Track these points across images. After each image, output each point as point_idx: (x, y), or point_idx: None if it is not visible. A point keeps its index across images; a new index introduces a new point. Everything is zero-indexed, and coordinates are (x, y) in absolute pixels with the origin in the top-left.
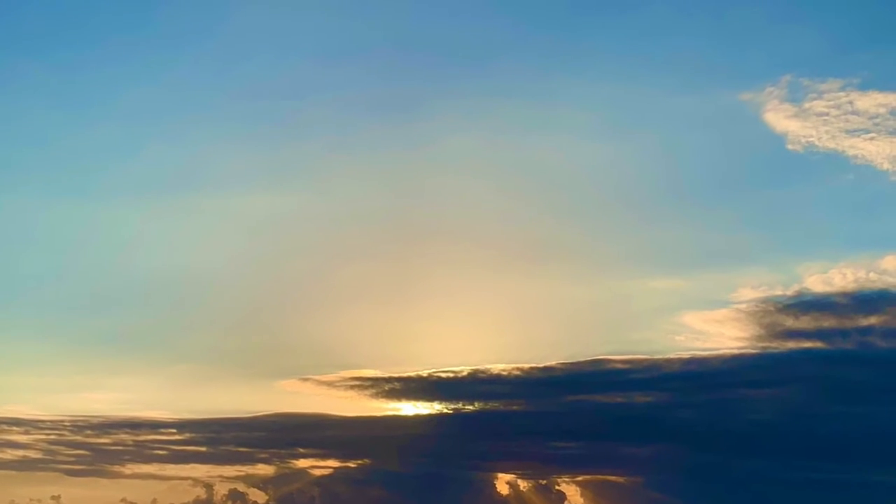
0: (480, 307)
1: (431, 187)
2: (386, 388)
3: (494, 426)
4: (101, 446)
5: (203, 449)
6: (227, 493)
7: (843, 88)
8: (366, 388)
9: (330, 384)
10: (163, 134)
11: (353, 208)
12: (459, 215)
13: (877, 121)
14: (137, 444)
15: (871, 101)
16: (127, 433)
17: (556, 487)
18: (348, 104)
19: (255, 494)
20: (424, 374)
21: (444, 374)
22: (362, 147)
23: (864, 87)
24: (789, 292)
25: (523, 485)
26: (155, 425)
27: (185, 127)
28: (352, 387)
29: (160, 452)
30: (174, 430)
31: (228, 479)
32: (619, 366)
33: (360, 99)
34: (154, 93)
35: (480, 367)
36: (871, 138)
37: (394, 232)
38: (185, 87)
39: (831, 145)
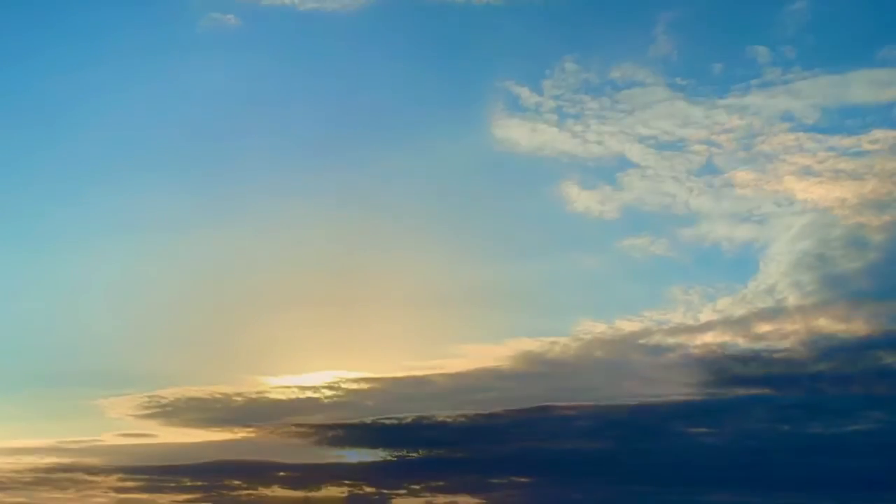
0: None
1: (374, 231)
2: (329, 435)
3: (439, 473)
4: None
5: (144, 496)
6: None
7: None
8: (310, 435)
9: (273, 431)
10: (102, 180)
11: (293, 253)
12: (403, 261)
13: None
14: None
15: None
16: None
17: None
18: (289, 147)
19: None
20: (368, 420)
21: (387, 421)
22: (303, 191)
23: None
24: (739, 338)
25: None
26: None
27: (123, 172)
28: (295, 433)
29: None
30: None
31: None
32: (566, 412)
33: (301, 142)
34: (92, 137)
35: (425, 414)
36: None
37: (336, 277)
38: (124, 130)
39: None
